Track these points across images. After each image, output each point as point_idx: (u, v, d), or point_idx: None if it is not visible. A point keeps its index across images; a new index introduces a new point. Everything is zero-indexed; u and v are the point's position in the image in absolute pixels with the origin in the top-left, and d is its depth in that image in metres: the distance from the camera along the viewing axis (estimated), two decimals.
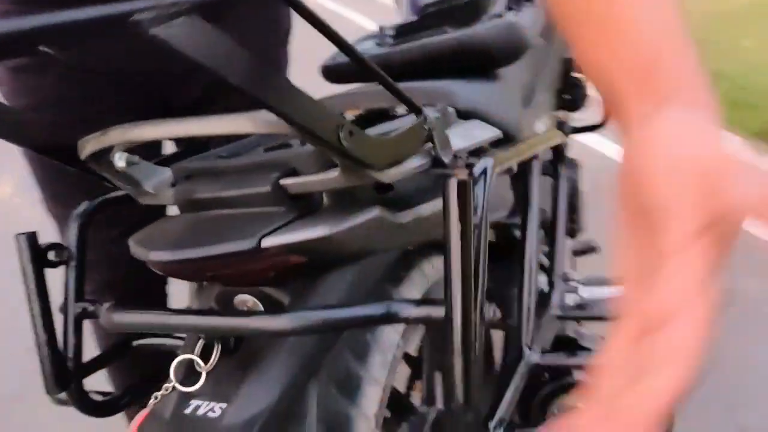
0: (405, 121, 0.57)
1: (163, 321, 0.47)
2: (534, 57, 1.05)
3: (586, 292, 1.01)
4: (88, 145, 0.43)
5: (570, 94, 1.44)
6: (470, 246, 0.41)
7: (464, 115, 0.71)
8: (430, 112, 0.50)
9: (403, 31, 0.85)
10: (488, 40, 0.75)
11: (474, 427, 0.45)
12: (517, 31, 0.76)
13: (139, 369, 0.61)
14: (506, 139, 0.79)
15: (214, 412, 0.44)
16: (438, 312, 0.42)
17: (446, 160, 0.51)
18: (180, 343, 0.53)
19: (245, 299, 0.48)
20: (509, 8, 0.86)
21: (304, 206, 0.46)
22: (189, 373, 0.46)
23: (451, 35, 0.77)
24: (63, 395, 0.52)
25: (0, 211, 2.54)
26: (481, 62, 0.78)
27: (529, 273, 0.67)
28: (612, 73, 0.35)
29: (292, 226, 0.43)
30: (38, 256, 0.51)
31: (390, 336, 0.53)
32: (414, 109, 0.49)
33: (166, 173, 0.51)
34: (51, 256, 0.52)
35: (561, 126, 1.47)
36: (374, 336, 0.52)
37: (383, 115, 0.69)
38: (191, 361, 0.46)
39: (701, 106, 0.33)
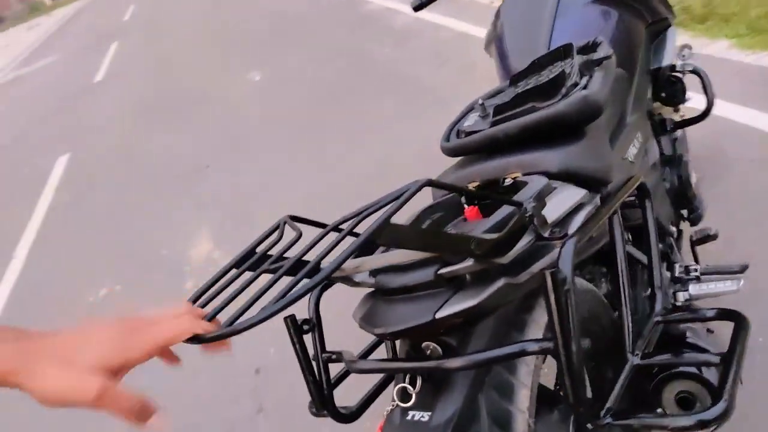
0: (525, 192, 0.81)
1: (388, 366, 0.77)
2: (618, 88, 1.22)
3: (697, 288, 1.16)
4: None
5: (669, 93, 1.56)
6: (564, 303, 0.65)
7: (559, 176, 0.93)
8: (529, 203, 0.75)
9: (500, 110, 1.08)
10: (569, 112, 0.96)
11: (589, 416, 0.69)
12: (590, 101, 0.96)
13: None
14: (601, 182, 0.99)
15: (423, 418, 0.73)
16: (550, 345, 0.67)
17: (545, 234, 0.75)
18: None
19: (429, 344, 0.77)
20: (582, 74, 1.04)
21: (456, 285, 0.73)
22: (404, 394, 0.75)
23: (539, 113, 0.99)
24: (322, 410, 0.85)
25: (203, 268, 3.05)
26: (567, 129, 0.99)
27: (623, 292, 0.86)
28: None
29: (451, 301, 0.70)
30: (298, 328, 0.84)
31: None
32: (515, 204, 0.75)
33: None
34: (305, 326, 0.85)
35: (664, 123, 1.59)
36: None
37: (496, 183, 0.93)
38: (405, 387, 0.75)
39: None
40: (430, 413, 0.73)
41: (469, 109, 1.19)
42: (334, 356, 0.85)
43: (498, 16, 1.55)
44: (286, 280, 0.60)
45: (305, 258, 0.68)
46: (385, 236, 0.58)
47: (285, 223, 0.76)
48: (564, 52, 1.12)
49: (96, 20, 13.60)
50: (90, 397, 0.50)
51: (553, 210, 0.82)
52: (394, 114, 3.85)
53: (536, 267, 0.73)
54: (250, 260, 0.72)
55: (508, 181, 0.92)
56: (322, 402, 0.84)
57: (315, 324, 0.86)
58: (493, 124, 1.06)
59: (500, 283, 0.71)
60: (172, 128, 5.38)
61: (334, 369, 0.88)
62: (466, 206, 0.90)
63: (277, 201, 3.41)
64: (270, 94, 5.32)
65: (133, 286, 3.13)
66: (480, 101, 1.17)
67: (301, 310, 0.81)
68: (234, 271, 0.71)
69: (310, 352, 0.86)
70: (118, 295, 3.07)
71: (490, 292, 0.70)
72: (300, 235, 0.73)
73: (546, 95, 1.03)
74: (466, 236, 0.66)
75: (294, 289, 0.57)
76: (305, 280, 0.58)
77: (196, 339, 0.57)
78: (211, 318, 0.59)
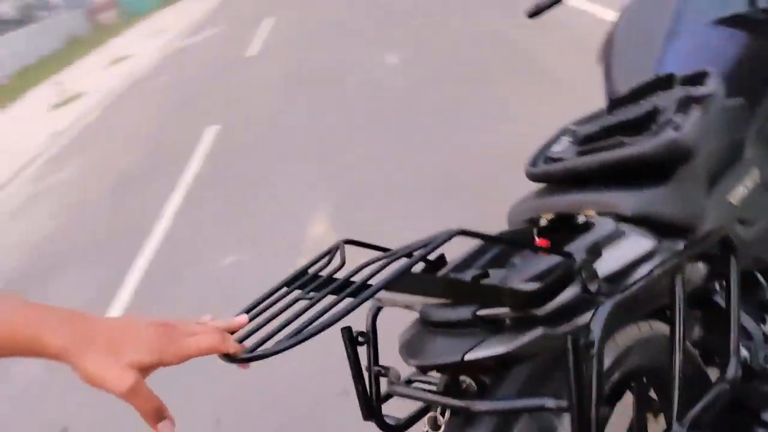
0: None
1: (421, 395, 0.81)
2: (731, 121, 1.11)
3: None
4: None
5: None
6: (584, 368, 0.65)
7: (633, 220, 0.90)
8: (579, 256, 0.74)
9: (587, 139, 1.06)
10: (654, 154, 0.92)
11: None
12: (679, 144, 0.91)
13: None
14: (685, 229, 0.94)
15: None
16: (565, 405, 0.68)
17: (593, 289, 0.74)
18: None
19: (465, 380, 0.79)
20: (678, 110, 0.98)
21: (494, 327, 0.74)
22: (435, 423, 0.79)
23: (623, 150, 0.95)
24: (370, 418, 0.91)
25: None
26: (651, 170, 0.95)
27: (676, 355, 0.81)
28: None
29: (484, 344, 0.72)
30: (353, 339, 0.89)
31: None
32: (565, 255, 0.74)
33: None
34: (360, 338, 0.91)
35: None
36: None
37: (570, 218, 0.92)
38: (435, 417, 0.79)
39: None
40: None
41: (561, 134, 1.17)
42: (383, 371, 0.90)
43: (613, 26, 1.46)
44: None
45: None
46: (403, 285, 0.62)
47: (339, 248, 0.81)
48: (665, 81, 1.07)
49: None
50: (123, 389, 0.59)
51: (610, 261, 0.80)
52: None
53: (576, 322, 0.73)
54: (301, 280, 0.76)
55: (581, 219, 0.91)
56: (370, 411, 0.90)
57: (370, 338, 0.92)
58: (580, 153, 1.04)
59: (537, 332, 0.71)
60: (319, 102, 5.65)
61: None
62: (536, 238, 0.90)
63: (410, 180, 3.53)
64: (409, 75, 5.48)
65: (259, 257, 3.37)
66: (572, 126, 1.15)
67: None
68: (285, 290, 0.77)
69: (364, 363, 0.92)
70: (243, 265, 3.34)
71: (523, 342, 0.71)
72: (343, 263, 0.77)
73: (635, 131, 1.00)
74: (498, 287, 0.68)
75: (326, 315, 0.61)
76: (340, 307, 0.62)
77: (227, 356, 0.65)
78: (241, 340, 0.66)
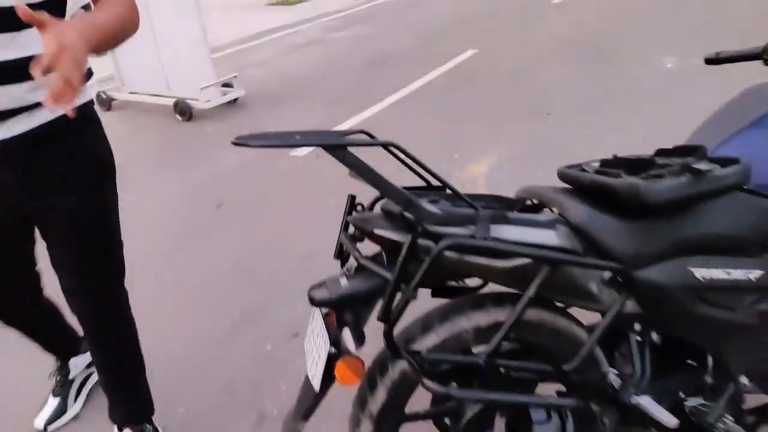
0: None
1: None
2: (730, 210, 1.17)
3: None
4: None
5: None
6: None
7: (572, 227, 1.13)
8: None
9: (605, 164, 1.27)
10: (617, 190, 1.12)
11: None
12: (634, 190, 1.08)
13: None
14: (610, 257, 1.11)
15: None
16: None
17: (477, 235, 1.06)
18: None
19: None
20: (670, 172, 1.13)
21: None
22: None
23: (601, 178, 1.16)
24: None
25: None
26: (618, 204, 1.12)
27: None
28: None
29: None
30: (353, 205, 1.24)
31: None
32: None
33: None
34: None
35: None
36: None
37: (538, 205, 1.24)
38: None
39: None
40: None
41: (605, 159, 1.35)
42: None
43: (731, 99, 1.55)
44: None
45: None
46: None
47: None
48: (695, 150, 1.23)
49: None
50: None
51: (511, 231, 1.08)
52: None
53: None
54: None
55: (543, 209, 1.24)
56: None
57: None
58: (595, 172, 1.24)
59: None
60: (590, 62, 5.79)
61: None
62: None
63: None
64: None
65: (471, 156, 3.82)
66: (616, 155, 1.32)
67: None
68: None
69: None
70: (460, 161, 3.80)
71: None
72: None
73: (631, 170, 1.18)
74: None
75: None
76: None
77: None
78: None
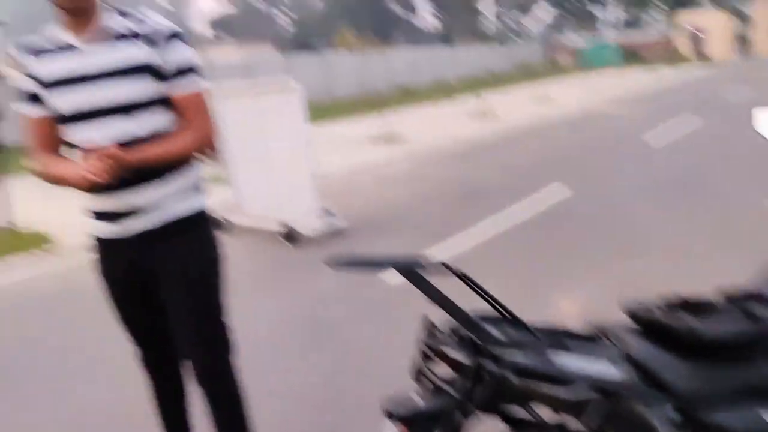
0: None
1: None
2: None
3: None
4: None
5: None
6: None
7: (633, 362, 1.18)
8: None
9: (668, 303, 1.32)
10: (678, 332, 1.17)
11: None
12: (692, 332, 1.15)
13: None
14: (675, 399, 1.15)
15: None
16: None
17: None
18: None
19: None
20: (735, 317, 1.20)
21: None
22: None
23: (672, 319, 1.23)
24: None
25: None
26: (688, 347, 1.17)
27: None
28: None
29: None
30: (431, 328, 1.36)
31: None
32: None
33: None
34: None
35: None
36: None
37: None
38: None
39: None
40: None
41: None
42: None
43: None
44: None
45: None
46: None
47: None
48: (755, 295, 1.29)
49: None
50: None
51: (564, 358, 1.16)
52: None
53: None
54: None
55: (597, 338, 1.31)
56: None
57: None
58: (659, 311, 1.31)
59: None
60: None
61: None
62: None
63: None
64: None
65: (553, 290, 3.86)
66: (681, 294, 1.39)
67: None
68: None
69: None
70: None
71: None
72: None
73: (693, 312, 1.25)
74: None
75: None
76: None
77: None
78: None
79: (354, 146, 11.49)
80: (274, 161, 5.74)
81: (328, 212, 5.85)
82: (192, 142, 1.80)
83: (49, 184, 1.81)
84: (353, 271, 1.28)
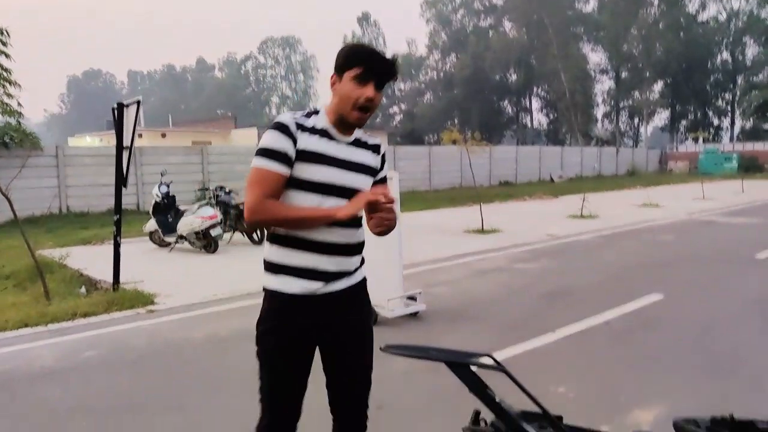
0: None
1: None
2: None
3: None
4: None
5: None
6: None
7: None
8: None
9: (716, 422, 1.34)
10: None
11: None
12: None
13: None
14: None
15: None
16: None
17: None
18: None
19: None
20: None
21: None
22: None
23: None
24: None
25: None
26: None
27: None
28: None
29: None
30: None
31: None
32: None
33: None
34: None
35: None
36: None
37: None
38: None
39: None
40: None
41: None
42: None
43: None
44: None
45: None
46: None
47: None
48: None
49: None
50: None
51: None
52: None
53: None
54: None
55: None
56: None
57: None
58: (706, 429, 1.34)
59: None
60: None
61: None
62: None
63: None
64: None
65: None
66: (732, 414, 1.40)
67: None
68: None
69: None
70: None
71: None
72: None
73: None
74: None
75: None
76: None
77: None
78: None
79: (446, 236, 11.66)
80: (366, 248, 5.95)
81: (409, 296, 5.97)
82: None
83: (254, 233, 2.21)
84: (406, 357, 1.38)
